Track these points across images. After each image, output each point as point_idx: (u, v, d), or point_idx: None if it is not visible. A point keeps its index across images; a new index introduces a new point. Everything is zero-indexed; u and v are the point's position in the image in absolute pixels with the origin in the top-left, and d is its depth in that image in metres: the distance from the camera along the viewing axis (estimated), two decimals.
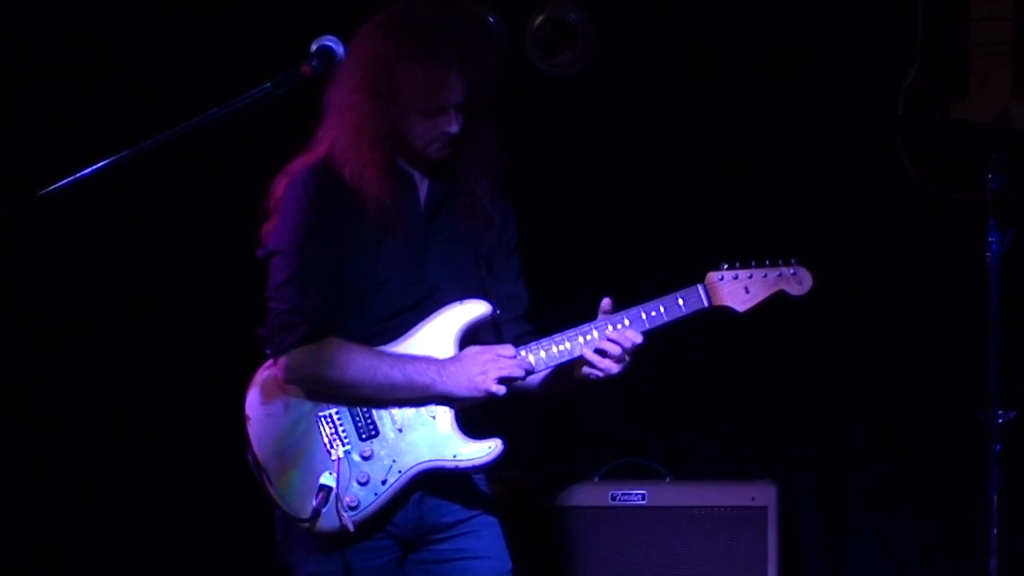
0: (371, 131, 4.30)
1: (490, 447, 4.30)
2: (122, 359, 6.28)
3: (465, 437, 4.30)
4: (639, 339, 4.27)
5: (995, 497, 5.29)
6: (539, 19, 6.32)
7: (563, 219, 6.30)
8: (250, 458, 4.32)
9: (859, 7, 6.21)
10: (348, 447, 4.28)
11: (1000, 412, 5.32)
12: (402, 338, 4.35)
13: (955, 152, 6.02)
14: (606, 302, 4.33)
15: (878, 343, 6.30)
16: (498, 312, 4.40)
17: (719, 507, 5.80)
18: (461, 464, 4.30)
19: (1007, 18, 6.19)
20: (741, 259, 4.38)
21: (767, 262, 4.38)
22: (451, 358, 4.32)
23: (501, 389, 4.28)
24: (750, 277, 4.37)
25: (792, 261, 4.40)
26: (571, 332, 4.33)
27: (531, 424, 5.89)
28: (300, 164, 4.39)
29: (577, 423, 6.36)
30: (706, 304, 4.33)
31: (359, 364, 4.28)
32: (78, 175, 3.24)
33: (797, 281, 4.39)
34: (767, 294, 4.37)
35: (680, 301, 4.32)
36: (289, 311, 4.30)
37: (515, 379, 4.31)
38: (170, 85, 6.02)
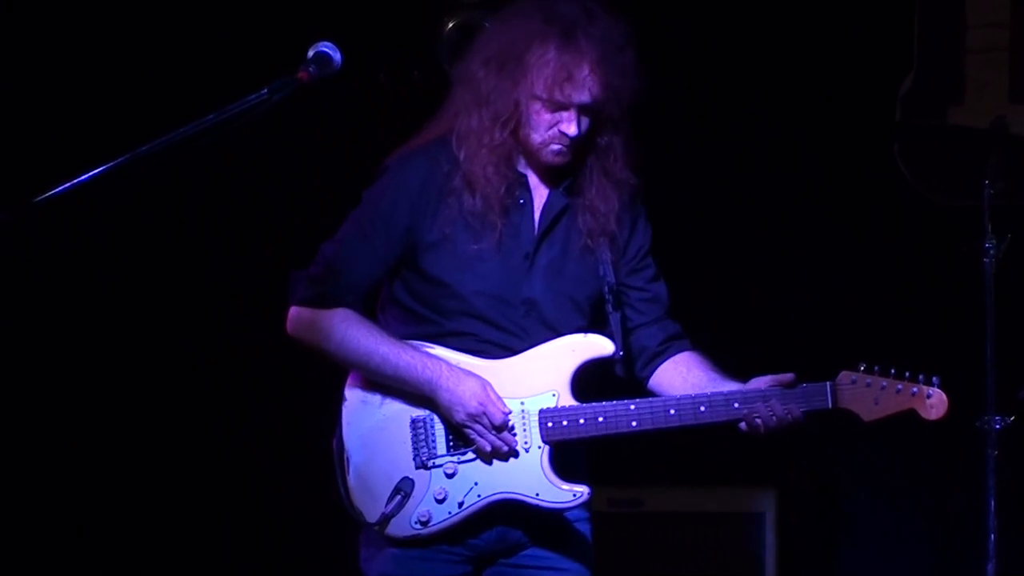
0: (495, 109, 4.12)
1: (575, 494, 4.13)
2: (120, 363, 6.29)
3: (554, 476, 4.12)
4: (801, 420, 4.10)
5: (992, 502, 5.30)
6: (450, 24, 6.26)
7: None
8: (334, 441, 4.16)
9: (856, 14, 6.22)
10: (434, 459, 4.13)
11: (997, 418, 5.32)
12: (515, 356, 4.16)
13: (952, 158, 6.02)
14: (788, 377, 4.13)
15: (875, 348, 6.28)
16: (620, 354, 4.19)
17: (717, 513, 5.80)
18: (542, 503, 4.13)
19: (1003, 25, 6.20)
20: (880, 363, 4.14)
21: (907, 374, 4.12)
22: (461, 369, 4.14)
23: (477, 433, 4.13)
24: (883, 388, 4.11)
25: (933, 380, 4.12)
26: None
27: None
28: (416, 142, 4.22)
29: (562, 449, 6.34)
30: (829, 406, 4.12)
31: (358, 343, 4.12)
32: (74, 181, 3.24)
33: (931, 405, 4.10)
34: (896, 410, 4.11)
35: (799, 400, 4.10)
36: (323, 268, 4.17)
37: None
38: (167, 91, 6.03)
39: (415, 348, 4.14)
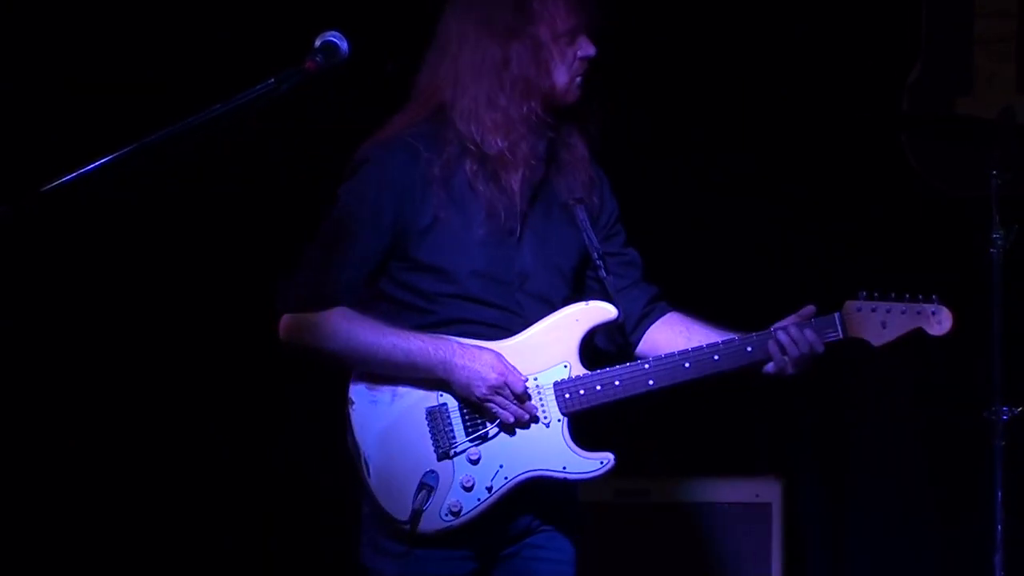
0: (526, 79, 4.06)
1: (602, 462, 4.11)
2: (126, 358, 6.28)
3: (577, 448, 4.10)
4: (820, 348, 4.13)
5: (1000, 493, 5.30)
6: None
7: None
8: (349, 444, 4.09)
9: (863, 3, 6.21)
10: (456, 447, 4.07)
11: (1004, 408, 5.32)
12: (520, 334, 4.12)
13: (959, 148, 6.01)
14: (809, 309, 4.17)
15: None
16: (623, 317, 4.19)
17: (723, 503, 5.80)
18: (570, 476, 4.10)
19: (1011, 14, 6.20)
20: (880, 289, 4.21)
21: (907, 296, 4.21)
22: (472, 345, 4.09)
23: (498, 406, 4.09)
24: (888, 311, 4.19)
25: (933, 298, 4.22)
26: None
27: None
28: (388, 133, 4.15)
29: (580, 419, 6.35)
30: (841, 335, 4.16)
31: (362, 339, 4.06)
32: (80, 171, 3.24)
33: (937, 320, 4.21)
34: (904, 331, 4.19)
35: (812, 328, 4.13)
36: (313, 271, 4.11)
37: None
38: (174, 81, 6.02)
39: (420, 334, 4.09)
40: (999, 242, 5.35)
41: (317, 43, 3.56)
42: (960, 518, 6.12)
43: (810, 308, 4.17)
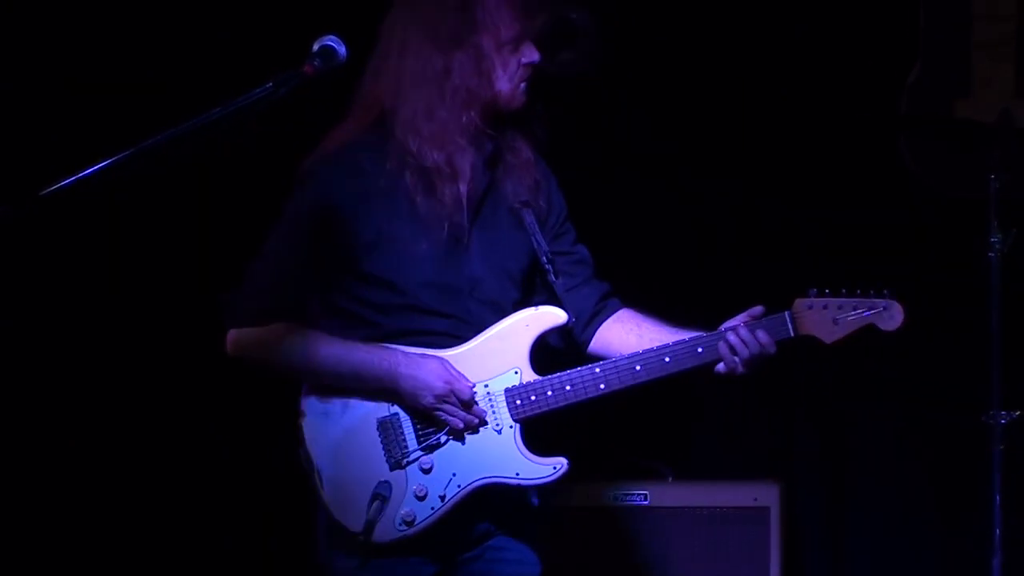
0: (467, 89, 4.06)
1: (555, 467, 4.10)
2: (126, 359, 6.28)
3: (529, 453, 4.10)
4: (772, 349, 4.12)
5: (998, 497, 5.30)
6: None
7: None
8: (302, 456, 4.12)
9: (862, 5, 6.21)
10: (408, 457, 4.08)
11: (1003, 413, 5.32)
12: (470, 341, 4.12)
13: (957, 151, 6.01)
14: (758, 309, 4.15)
15: (880, 342, 6.28)
16: (573, 321, 4.19)
17: (722, 507, 5.79)
18: (524, 482, 4.10)
19: (1009, 17, 6.20)
20: (831, 286, 4.20)
21: (858, 291, 4.19)
22: (417, 354, 4.09)
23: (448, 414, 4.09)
24: (839, 308, 4.18)
25: (884, 293, 4.20)
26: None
27: None
28: (335, 142, 4.15)
29: (579, 423, 6.35)
30: (791, 334, 4.14)
31: (308, 351, 4.08)
32: (78, 175, 3.24)
33: (889, 315, 4.20)
34: (856, 327, 4.18)
35: (764, 329, 4.12)
36: (257, 287, 4.12)
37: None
38: (174, 82, 6.02)
39: (366, 345, 4.10)
40: (997, 245, 5.36)
41: (315, 47, 3.56)
42: (959, 522, 6.12)
43: (758, 308, 4.16)
